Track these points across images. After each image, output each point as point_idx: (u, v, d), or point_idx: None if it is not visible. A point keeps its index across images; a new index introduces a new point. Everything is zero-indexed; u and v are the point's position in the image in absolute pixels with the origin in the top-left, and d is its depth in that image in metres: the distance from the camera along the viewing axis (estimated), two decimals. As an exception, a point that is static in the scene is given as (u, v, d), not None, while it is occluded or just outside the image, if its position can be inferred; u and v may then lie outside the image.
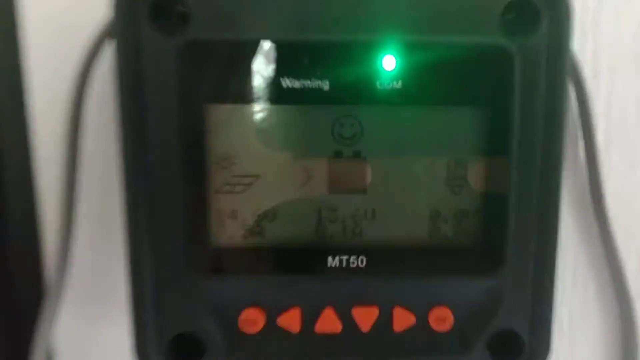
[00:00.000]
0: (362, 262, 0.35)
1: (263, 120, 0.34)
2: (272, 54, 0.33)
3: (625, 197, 0.43)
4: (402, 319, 0.36)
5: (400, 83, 0.34)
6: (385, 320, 0.36)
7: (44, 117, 0.42)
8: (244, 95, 0.34)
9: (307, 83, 0.33)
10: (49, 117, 0.41)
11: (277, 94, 0.34)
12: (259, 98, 0.34)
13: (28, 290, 0.43)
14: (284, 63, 0.33)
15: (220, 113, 0.34)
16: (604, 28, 0.41)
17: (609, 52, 0.41)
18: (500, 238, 0.35)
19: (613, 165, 0.43)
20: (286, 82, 0.33)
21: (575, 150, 0.42)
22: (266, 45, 0.33)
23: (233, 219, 0.35)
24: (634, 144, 0.42)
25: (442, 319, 0.36)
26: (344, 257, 0.35)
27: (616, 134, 0.42)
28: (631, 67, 0.41)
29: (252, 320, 0.35)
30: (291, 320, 0.36)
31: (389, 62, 0.33)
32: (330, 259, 0.35)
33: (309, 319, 0.36)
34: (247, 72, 0.33)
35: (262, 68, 0.33)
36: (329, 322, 0.36)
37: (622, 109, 0.42)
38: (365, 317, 0.36)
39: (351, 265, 0.35)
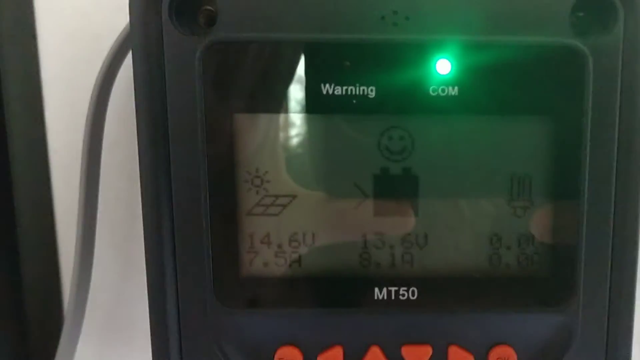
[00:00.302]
0: (413, 294, 0.32)
1: (300, 132, 0.32)
2: (310, 57, 0.30)
3: None
4: None
5: (456, 89, 0.31)
6: None
7: (62, 133, 0.41)
8: (278, 104, 0.31)
9: (351, 89, 0.31)
10: (68, 133, 0.41)
11: (315, 101, 0.31)
12: (295, 107, 0.31)
13: (45, 322, 0.43)
14: (324, 67, 0.31)
15: (250, 123, 0.31)
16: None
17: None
18: (571, 267, 0.32)
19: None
20: (326, 89, 0.31)
21: None
22: (303, 46, 0.30)
23: (266, 245, 0.33)
24: None
25: None
26: (393, 289, 0.32)
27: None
28: None
29: None
30: None
31: (443, 66, 0.31)
32: (376, 290, 0.32)
33: (353, 359, 0.33)
34: (281, 77, 0.31)
35: (298, 72, 0.31)
36: None
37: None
38: (417, 357, 0.33)
39: (400, 297, 0.32)
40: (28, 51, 0.39)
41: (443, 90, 0.31)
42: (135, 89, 0.31)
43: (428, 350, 0.33)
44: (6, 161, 0.39)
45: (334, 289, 0.33)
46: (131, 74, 0.30)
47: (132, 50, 0.30)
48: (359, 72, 0.30)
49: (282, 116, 0.31)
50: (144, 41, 0.30)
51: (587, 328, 0.33)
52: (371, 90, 0.31)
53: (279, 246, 0.32)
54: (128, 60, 0.35)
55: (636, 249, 0.32)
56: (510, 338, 0.33)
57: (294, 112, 0.31)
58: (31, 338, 0.41)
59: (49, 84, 0.40)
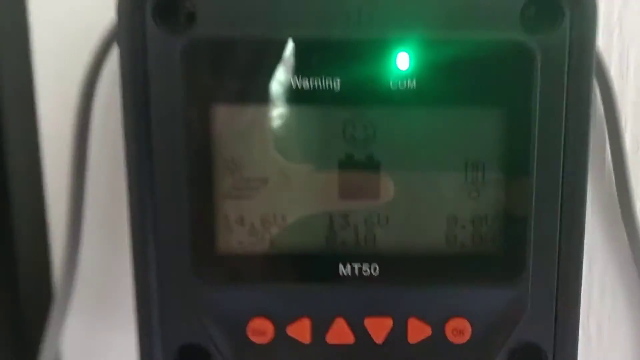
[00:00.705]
0: (375, 270, 0.34)
1: (271, 121, 0.33)
2: (281, 53, 0.32)
3: (656, 204, 0.41)
4: (417, 331, 0.35)
5: (415, 83, 0.32)
6: (399, 331, 0.34)
7: (54, 121, 0.42)
8: (252, 96, 0.33)
9: (318, 83, 0.32)
10: (58, 122, 0.42)
11: (286, 94, 0.33)
12: (267, 98, 0.33)
13: (36, 298, 0.43)
14: (294, 62, 0.32)
15: (227, 114, 0.33)
16: (631, 27, 0.40)
17: (636, 51, 0.40)
18: (521, 245, 0.34)
19: (643, 171, 0.41)
20: (296, 82, 0.32)
21: (602, 155, 0.41)
22: (275, 43, 0.32)
23: (240, 225, 0.34)
24: (664, 148, 0.41)
25: (459, 331, 0.34)
26: (356, 265, 0.34)
27: (645, 137, 0.41)
28: (660, 67, 0.40)
29: (260, 330, 0.34)
30: (301, 330, 0.34)
31: (403, 61, 0.32)
32: (341, 267, 0.34)
33: (320, 329, 0.34)
34: (255, 72, 0.33)
35: (270, 67, 0.32)
36: (340, 333, 0.34)
37: (651, 111, 0.40)
38: (379, 328, 0.35)
39: (364, 273, 0.34)
40: (23, 48, 0.41)
41: (402, 84, 0.32)
42: (121, 83, 0.32)
43: (389, 322, 0.34)
44: (2, 147, 0.40)
45: (303, 266, 0.34)
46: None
47: (119, 47, 0.32)
48: (325, 67, 0.32)
49: (255, 107, 0.33)
50: (129, 39, 0.32)
51: (537, 302, 0.34)
52: (337, 83, 0.32)
53: (252, 226, 0.34)
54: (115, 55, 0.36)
55: (583, 229, 0.34)
56: (466, 311, 0.34)
57: (266, 104, 0.33)
58: (24, 313, 0.42)
59: (42, 78, 0.41)
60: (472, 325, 0.35)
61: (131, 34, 0.32)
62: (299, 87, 0.32)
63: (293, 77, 0.32)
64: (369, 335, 0.35)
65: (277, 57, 0.32)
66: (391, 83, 0.32)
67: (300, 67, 0.32)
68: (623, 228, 0.41)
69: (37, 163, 0.42)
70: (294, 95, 0.33)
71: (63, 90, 0.41)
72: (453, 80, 0.33)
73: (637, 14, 0.40)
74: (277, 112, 0.33)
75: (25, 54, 0.41)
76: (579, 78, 0.33)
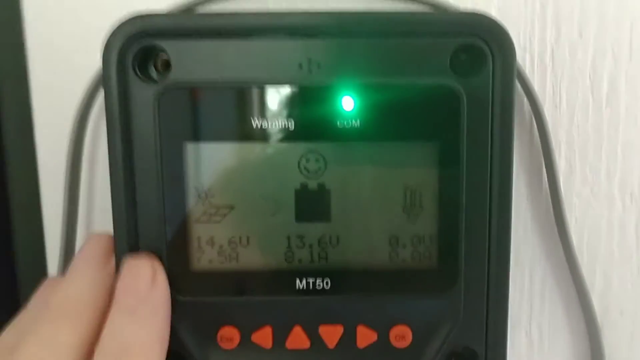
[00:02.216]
0: (327, 284, 0.38)
1: (236, 156, 0.37)
2: (243, 97, 0.36)
3: (588, 221, 0.45)
4: (365, 337, 0.38)
5: (359, 122, 0.36)
6: (349, 337, 0.38)
7: (50, 151, 0.45)
8: (219, 134, 0.37)
9: (276, 123, 0.36)
10: (54, 151, 0.45)
11: (248, 132, 0.36)
12: (231, 136, 0.37)
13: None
14: (254, 105, 0.36)
15: (198, 151, 0.37)
16: (562, 63, 0.44)
17: (567, 85, 0.44)
18: (454, 261, 0.38)
19: (576, 191, 0.45)
20: (256, 122, 0.36)
21: (539, 177, 0.45)
22: (237, 89, 0.36)
23: (210, 246, 0.38)
24: (594, 170, 0.45)
25: (401, 337, 0.38)
26: (311, 280, 0.38)
27: (578, 161, 0.45)
28: (589, 99, 0.44)
29: (228, 337, 0.38)
30: (264, 337, 0.38)
31: (348, 103, 0.36)
32: (298, 281, 0.38)
33: (280, 336, 0.38)
34: (221, 114, 0.36)
35: (233, 109, 0.36)
36: (298, 339, 0.38)
37: (582, 137, 0.44)
38: (331, 334, 0.38)
39: (317, 287, 0.38)
40: (21, 84, 0.44)
41: (348, 123, 0.36)
42: (107, 123, 0.36)
43: (340, 329, 0.38)
44: (5, 172, 0.44)
45: (264, 280, 0.38)
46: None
47: (104, 92, 0.36)
48: (281, 109, 0.36)
49: (222, 144, 0.37)
50: (113, 86, 0.35)
51: (470, 310, 0.38)
52: (292, 123, 0.36)
53: (221, 247, 0.38)
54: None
55: (508, 246, 0.38)
56: (407, 319, 0.38)
57: (231, 141, 0.37)
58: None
59: (39, 112, 0.45)
60: (412, 331, 0.38)
61: (114, 82, 0.36)
62: (260, 127, 0.36)
63: (254, 118, 0.36)
64: (323, 341, 0.38)
65: (240, 101, 0.36)
66: (338, 122, 0.36)
67: (260, 110, 0.36)
68: (559, 243, 0.45)
69: (35, 187, 0.45)
70: (255, 134, 0.37)
71: (58, 124, 0.44)
72: (392, 118, 0.36)
73: (567, 53, 0.43)
74: (241, 148, 0.37)
75: (25, 92, 0.44)
76: (502, 113, 0.36)
